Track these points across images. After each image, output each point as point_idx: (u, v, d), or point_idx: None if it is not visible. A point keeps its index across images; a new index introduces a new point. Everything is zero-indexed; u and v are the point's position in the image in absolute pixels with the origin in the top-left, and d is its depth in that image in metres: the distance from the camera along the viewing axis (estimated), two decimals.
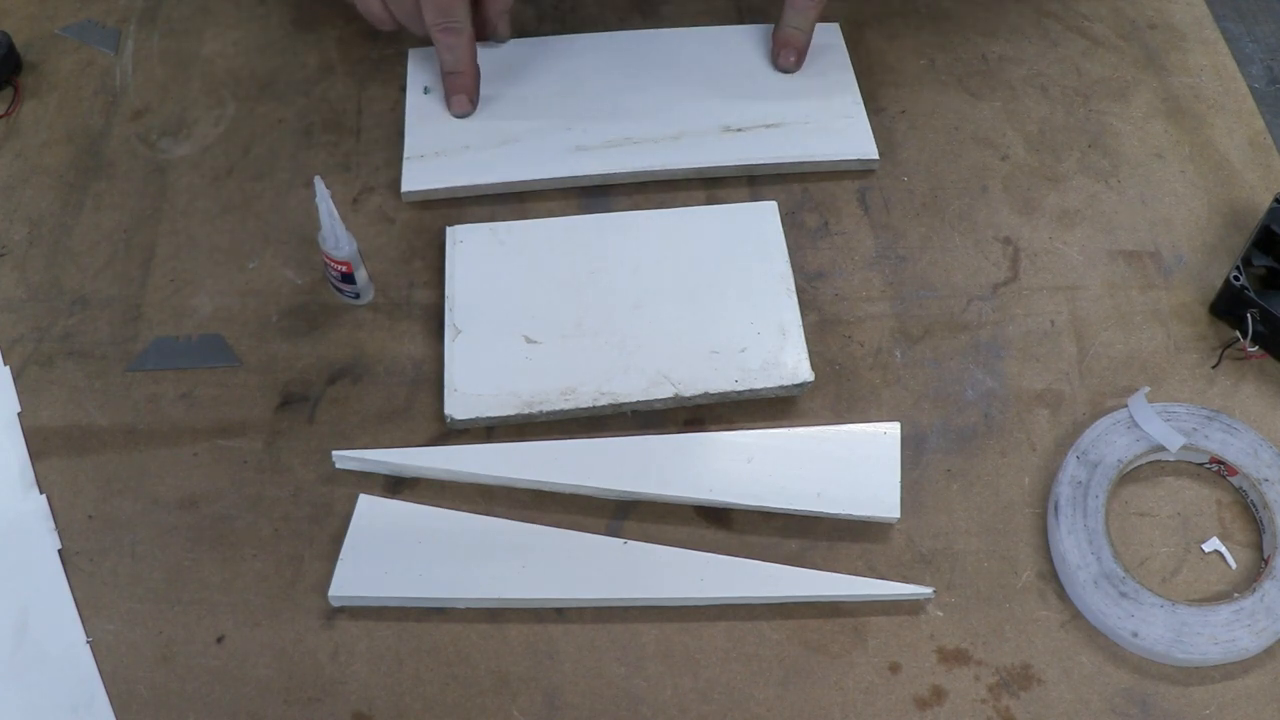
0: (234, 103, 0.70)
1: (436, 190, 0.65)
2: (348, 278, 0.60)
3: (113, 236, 0.65)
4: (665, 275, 0.61)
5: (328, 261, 0.59)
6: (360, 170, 0.67)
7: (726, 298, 0.60)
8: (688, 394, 0.57)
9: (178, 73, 0.72)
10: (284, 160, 0.68)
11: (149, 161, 0.68)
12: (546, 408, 0.57)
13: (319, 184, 0.55)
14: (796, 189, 0.66)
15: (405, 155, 0.66)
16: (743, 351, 0.58)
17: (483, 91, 0.68)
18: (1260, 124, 0.69)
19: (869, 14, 0.74)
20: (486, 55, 0.69)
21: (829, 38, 0.72)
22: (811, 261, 0.64)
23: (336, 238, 0.58)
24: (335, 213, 0.57)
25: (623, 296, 0.61)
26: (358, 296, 0.61)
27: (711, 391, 0.57)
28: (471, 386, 0.57)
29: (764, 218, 0.63)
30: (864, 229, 0.65)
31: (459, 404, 0.57)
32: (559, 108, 0.68)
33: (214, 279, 0.63)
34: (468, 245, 0.62)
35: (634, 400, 0.57)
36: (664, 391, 0.57)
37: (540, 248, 0.62)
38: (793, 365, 0.58)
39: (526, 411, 0.57)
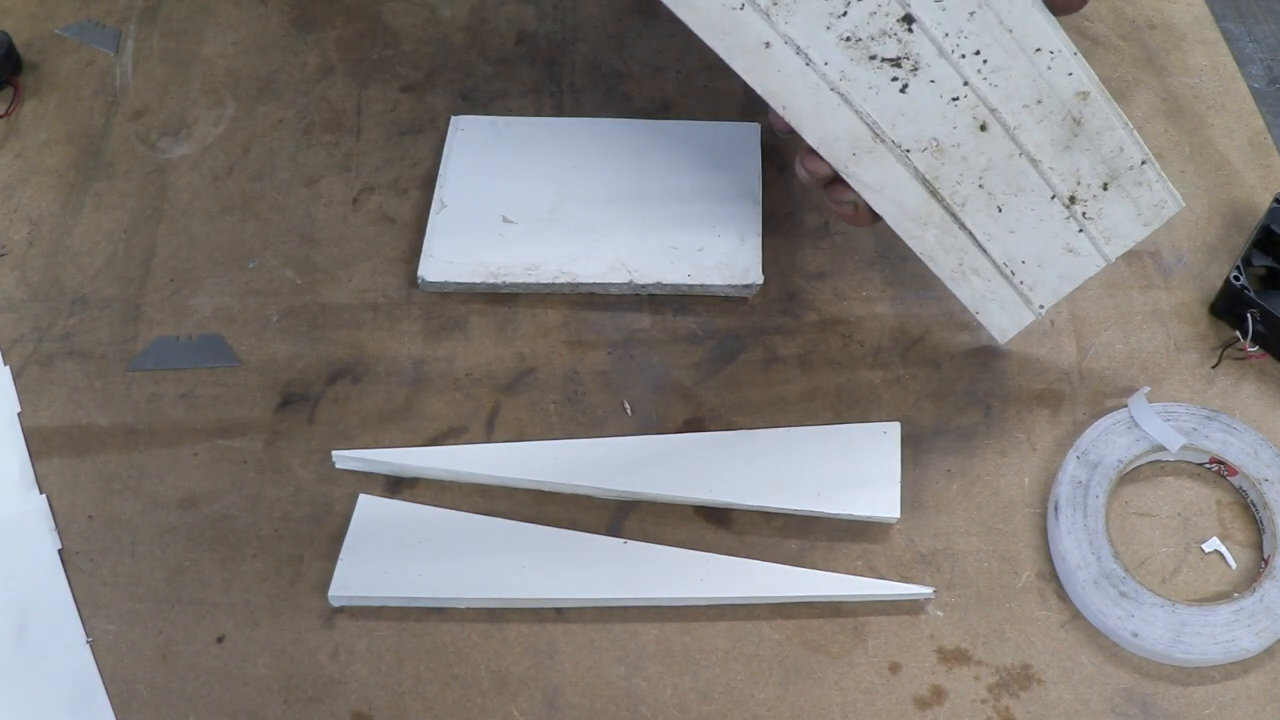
0: (234, 103, 0.70)
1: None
2: None
3: (113, 236, 0.65)
4: (642, 179, 0.65)
5: None
6: (360, 170, 0.67)
7: (694, 203, 0.64)
8: (642, 282, 0.61)
9: (178, 73, 0.72)
10: (284, 160, 0.68)
11: (149, 161, 0.68)
12: (511, 279, 0.61)
13: None
14: (797, 188, 0.66)
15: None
16: (700, 250, 0.61)
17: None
18: (1260, 124, 0.69)
19: None
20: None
21: None
22: (811, 261, 0.64)
23: None
24: None
25: (599, 192, 0.64)
26: None
27: (665, 282, 0.61)
28: (446, 254, 0.62)
29: (746, 137, 0.67)
30: (864, 229, 0.65)
31: (432, 268, 0.61)
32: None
33: (214, 279, 0.63)
34: (468, 133, 0.67)
35: (591, 282, 0.61)
36: (620, 277, 0.61)
37: (532, 141, 0.67)
38: (745, 267, 0.61)
39: (492, 281, 0.61)
